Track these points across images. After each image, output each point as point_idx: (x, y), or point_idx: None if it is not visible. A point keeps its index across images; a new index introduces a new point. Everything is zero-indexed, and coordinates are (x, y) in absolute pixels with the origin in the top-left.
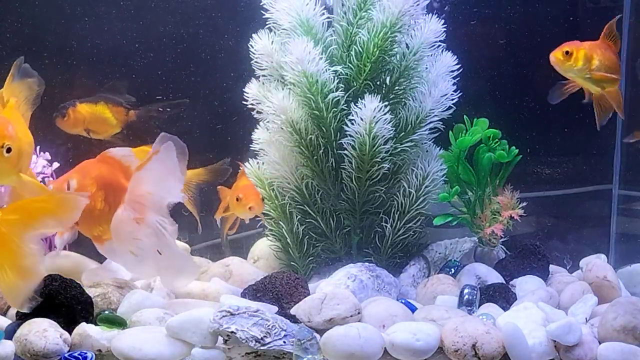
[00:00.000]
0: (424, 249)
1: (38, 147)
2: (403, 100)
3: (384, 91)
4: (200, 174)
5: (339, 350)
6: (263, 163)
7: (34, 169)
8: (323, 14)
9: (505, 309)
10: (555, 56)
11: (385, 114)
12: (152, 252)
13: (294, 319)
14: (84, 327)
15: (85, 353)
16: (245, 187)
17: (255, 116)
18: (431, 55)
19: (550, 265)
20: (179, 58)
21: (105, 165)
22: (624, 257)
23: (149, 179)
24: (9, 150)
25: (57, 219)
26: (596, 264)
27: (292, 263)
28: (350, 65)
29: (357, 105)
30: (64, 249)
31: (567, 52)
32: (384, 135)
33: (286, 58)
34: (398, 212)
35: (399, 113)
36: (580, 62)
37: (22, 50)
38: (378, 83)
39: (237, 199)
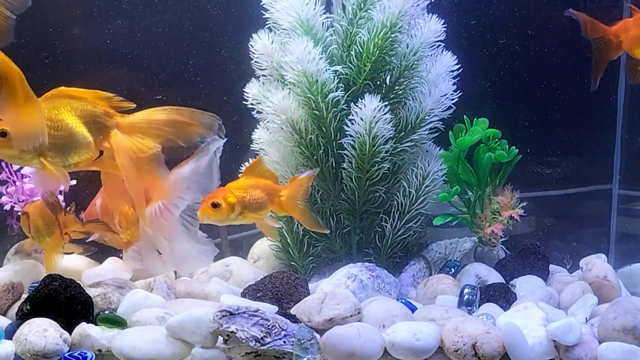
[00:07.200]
0: (424, 249)
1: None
2: (403, 100)
3: (384, 91)
4: None
5: (339, 350)
6: None
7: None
8: (323, 13)
9: (505, 309)
10: (207, 212)
11: (385, 114)
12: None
13: (294, 319)
14: (84, 327)
15: (85, 353)
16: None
17: (255, 116)
18: (431, 55)
19: (550, 265)
20: (179, 58)
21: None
22: (624, 257)
23: (191, 176)
24: (3, 134)
25: None
26: (596, 263)
27: (292, 263)
28: (350, 65)
29: (357, 105)
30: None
31: (214, 205)
32: (384, 135)
33: (286, 58)
34: (398, 212)
35: (399, 113)
36: (227, 211)
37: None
38: (378, 83)
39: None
